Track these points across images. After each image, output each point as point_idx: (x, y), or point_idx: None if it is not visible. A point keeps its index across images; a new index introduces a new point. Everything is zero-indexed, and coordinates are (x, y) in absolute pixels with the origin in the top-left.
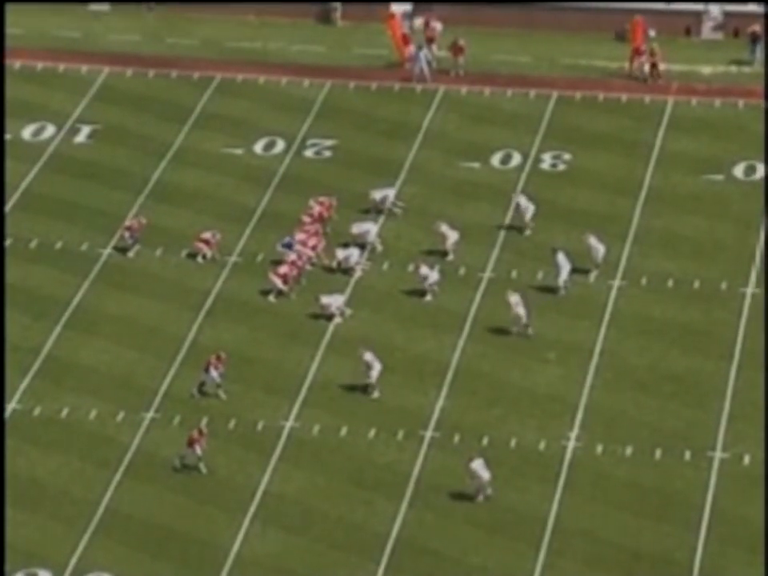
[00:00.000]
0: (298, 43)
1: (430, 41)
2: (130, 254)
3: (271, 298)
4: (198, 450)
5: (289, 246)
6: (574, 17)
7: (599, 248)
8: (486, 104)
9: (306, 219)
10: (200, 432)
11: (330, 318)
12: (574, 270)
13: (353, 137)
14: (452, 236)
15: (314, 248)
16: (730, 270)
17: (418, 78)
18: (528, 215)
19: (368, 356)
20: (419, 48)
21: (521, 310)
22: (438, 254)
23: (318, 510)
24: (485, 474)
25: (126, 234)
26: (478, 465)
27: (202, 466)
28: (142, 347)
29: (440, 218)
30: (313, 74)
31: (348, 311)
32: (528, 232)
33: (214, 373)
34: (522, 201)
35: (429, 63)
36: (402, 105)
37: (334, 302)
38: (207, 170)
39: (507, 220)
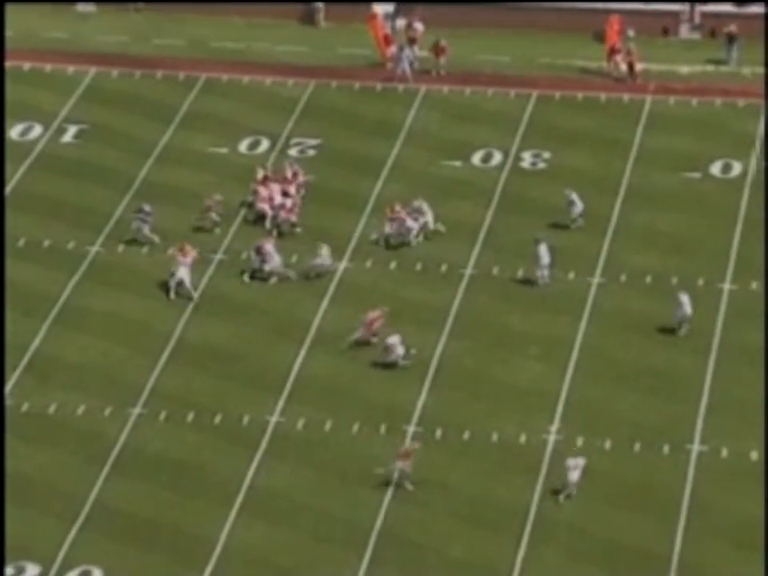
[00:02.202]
0: (282, 44)
1: (412, 41)
2: (217, 232)
3: (245, 278)
4: (407, 465)
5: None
6: (553, 17)
7: (687, 307)
8: (467, 103)
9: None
10: (411, 450)
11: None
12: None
13: (336, 135)
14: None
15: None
16: (708, 266)
17: (401, 78)
18: (575, 212)
19: (393, 339)
20: (401, 49)
21: (325, 260)
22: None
23: (303, 503)
24: (575, 475)
25: (211, 215)
26: (573, 463)
27: (407, 483)
28: (129, 343)
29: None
30: (297, 73)
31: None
32: (573, 227)
33: None
34: (574, 197)
35: (411, 63)
36: (385, 104)
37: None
38: (193, 169)
39: (488, 217)
